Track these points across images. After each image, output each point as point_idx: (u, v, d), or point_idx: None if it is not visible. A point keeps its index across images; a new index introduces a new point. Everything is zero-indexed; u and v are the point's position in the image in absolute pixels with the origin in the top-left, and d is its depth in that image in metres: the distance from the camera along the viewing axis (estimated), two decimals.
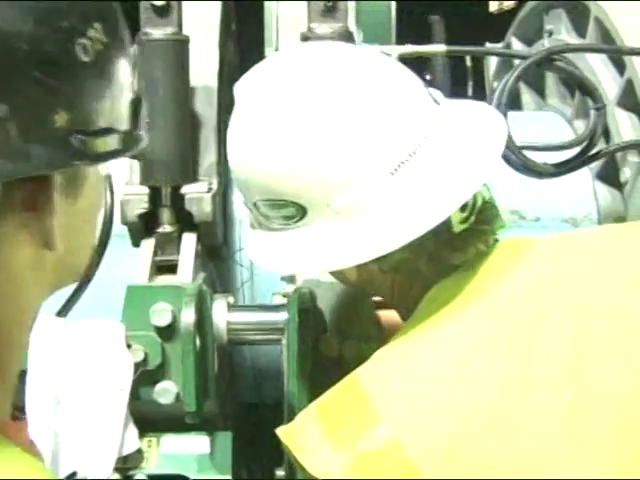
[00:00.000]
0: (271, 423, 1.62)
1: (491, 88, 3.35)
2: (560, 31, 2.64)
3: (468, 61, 3.65)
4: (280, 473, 1.84)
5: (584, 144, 1.81)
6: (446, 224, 1.21)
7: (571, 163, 1.83)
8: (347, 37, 1.71)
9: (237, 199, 2.15)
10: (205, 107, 1.85)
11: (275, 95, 1.21)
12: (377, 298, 1.53)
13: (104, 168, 1.73)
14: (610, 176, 2.29)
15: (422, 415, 1.11)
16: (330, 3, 1.67)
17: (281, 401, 2.29)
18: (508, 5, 4.76)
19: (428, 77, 1.90)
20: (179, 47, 1.70)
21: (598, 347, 1.15)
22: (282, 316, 1.71)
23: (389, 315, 1.51)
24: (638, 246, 1.27)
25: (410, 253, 1.22)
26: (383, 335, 1.50)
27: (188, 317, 1.52)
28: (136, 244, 1.80)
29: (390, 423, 1.10)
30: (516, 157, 1.77)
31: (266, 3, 3.73)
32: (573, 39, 2.57)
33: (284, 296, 1.74)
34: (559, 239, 1.33)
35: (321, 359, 1.60)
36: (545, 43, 2.68)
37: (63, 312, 1.68)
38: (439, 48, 1.78)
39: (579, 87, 1.83)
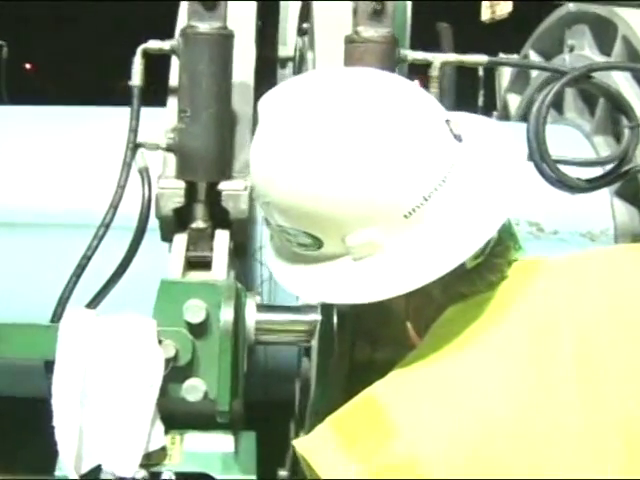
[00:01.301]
0: (275, 422, 1.63)
1: (503, 99, 3.37)
2: (583, 47, 2.65)
3: (481, 71, 3.67)
4: (283, 473, 1.84)
5: (617, 161, 1.82)
6: None
7: (603, 179, 1.84)
8: (393, 43, 1.71)
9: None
10: (241, 104, 1.83)
11: (297, 122, 1.20)
12: None
13: (142, 160, 1.73)
14: (628, 193, 2.31)
15: (439, 432, 1.12)
16: (379, 6, 1.66)
17: (287, 400, 2.30)
18: (501, 15, 4.78)
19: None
20: (225, 42, 1.68)
21: (608, 364, 1.16)
22: (311, 318, 1.71)
23: None
24: None
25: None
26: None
27: (227, 315, 1.50)
28: (166, 238, 1.79)
29: (407, 439, 1.11)
30: (551, 171, 1.78)
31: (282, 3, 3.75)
32: (596, 55, 2.59)
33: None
34: (569, 261, 1.33)
35: (352, 364, 1.60)
36: (566, 58, 2.70)
37: (94, 303, 1.67)
38: (481, 58, 1.78)
39: (614, 105, 1.84)
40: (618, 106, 1.82)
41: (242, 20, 1.99)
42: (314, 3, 2.18)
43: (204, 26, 1.66)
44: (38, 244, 2.18)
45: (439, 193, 1.19)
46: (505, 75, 3.65)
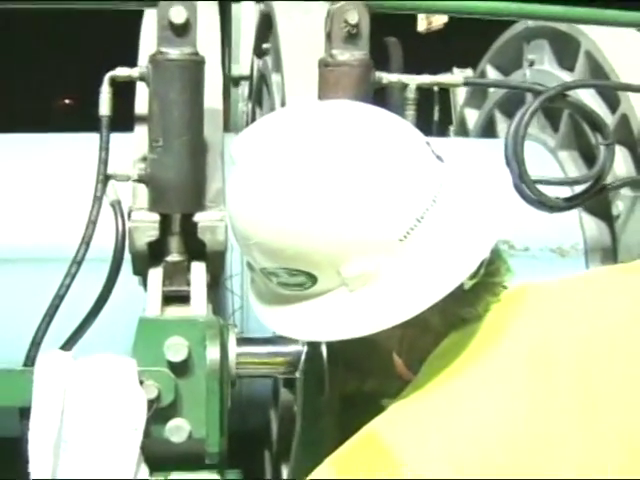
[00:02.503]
0: (251, 451, 1.58)
1: (460, 114, 3.36)
2: (543, 62, 2.65)
3: (436, 87, 3.67)
4: None
5: (594, 179, 1.81)
6: None
7: (580, 197, 1.84)
8: (369, 66, 1.67)
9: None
10: (211, 130, 1.78)
11: (280, 161, 1.17)
12: None
13: (113, 193, 1.66)
14: (597, 208, 2.31)
15: (443, 466, 1.09)
16: (355, 29, 1.62)
17: (263, 429, 2.25)
18: (437, 25, 4.82)
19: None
20: (196, 68, 1.63)
21: (605, 382, 1.15)
22: (293, 349, 1.67)
23: None
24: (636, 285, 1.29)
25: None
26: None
27: (214, 354, 1.45)
28: (138, 272, 1.72)
29: (412, 474, 1.08)
30: (530, 191, 1.77)
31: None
32: (556, 70, 2.59)
33: None
34: (560, 284, 1.32)
35: (338, 396, 1.55)
36: (526, 73, 2.70)
37: (69, 345, 1.59)
38: (457, 79, 1.76)
39: (589, 122, 1.84)
40: (593, 124, 1.82)
41: (207, 43, 1.94)
42: (279, 24, 2.13)
43: (174, 52, 1.60)
44: (5, 280, 2.08)
45: (431, 213, 1.17)
46: (460, 90, 3.65)
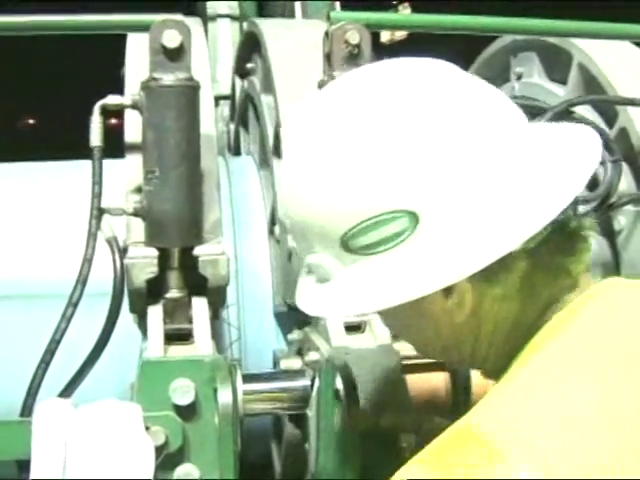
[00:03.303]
0: None
1: None
2: (532, 74, 2.60)
3: None
4: None
5: (603, 196, 1.76)
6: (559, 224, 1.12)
7: (590, 215, 1.78)
8: None
9: None
10: (205, 158, 1.70)
11: (342, 113, 1.13)
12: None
13: (108, 229, 1.58)
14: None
15: (551, 453, 1.01)
16: (356, 50, 1.56)
17: (264, 463, 2.17)
18: (400, 36, 4.79)
19: None
20: (192, 94, 1.55)
21: None
22: (301, 383, 1.60)
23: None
24: None
25: (526, 260, 1.12)
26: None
27: (226, 397, 1.37)
28: (135, 310, 1.64)
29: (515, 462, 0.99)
30: None
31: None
32: (545, 83, 2.54)
33: (308, 365, 1.61)
34: None
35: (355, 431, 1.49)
36: (515, 86, 2.66)
37: (68, 392, 1.51)
38: None
39: None
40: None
41: (195, 64, 1.87)
42: (267, 43, 2.06)
43: (169, 77, 1.52)
44: None
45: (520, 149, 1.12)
46: None
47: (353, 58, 1.59)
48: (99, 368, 1.60)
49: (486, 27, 2.10)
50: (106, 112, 1.57)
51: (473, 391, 1.57)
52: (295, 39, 2.11)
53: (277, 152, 1.96)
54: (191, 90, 1.55)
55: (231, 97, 3.00)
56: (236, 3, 3.67)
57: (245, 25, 2.50)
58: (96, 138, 1.56)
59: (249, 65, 2.48)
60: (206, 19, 3.57)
